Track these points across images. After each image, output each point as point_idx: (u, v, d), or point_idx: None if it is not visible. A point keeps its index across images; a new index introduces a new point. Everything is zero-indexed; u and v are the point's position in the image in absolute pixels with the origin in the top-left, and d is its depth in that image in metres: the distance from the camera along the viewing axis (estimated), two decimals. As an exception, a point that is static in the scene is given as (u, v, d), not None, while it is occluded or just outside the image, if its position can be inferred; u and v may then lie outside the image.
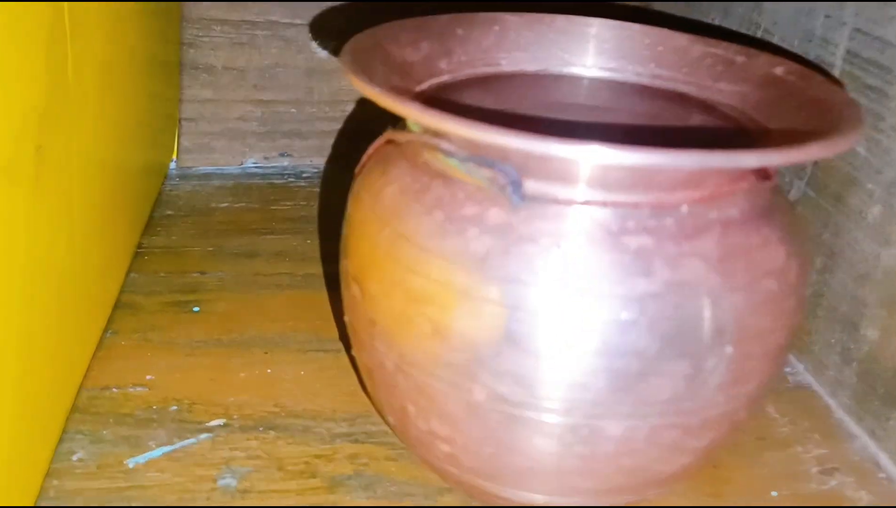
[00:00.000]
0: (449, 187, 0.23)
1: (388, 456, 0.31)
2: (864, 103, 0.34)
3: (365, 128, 0.53)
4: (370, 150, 0.27)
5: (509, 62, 0.31)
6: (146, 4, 0.40)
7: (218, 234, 0.46)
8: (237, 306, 0.39)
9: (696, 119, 0.28)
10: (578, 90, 0.31)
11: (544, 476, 0.23)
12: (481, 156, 0.21)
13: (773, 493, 0.31)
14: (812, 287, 0.37)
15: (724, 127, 0.27)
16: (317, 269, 0.43)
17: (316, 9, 0.51)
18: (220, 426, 0.32)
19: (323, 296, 0.41)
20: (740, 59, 0.29)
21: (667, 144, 0.24)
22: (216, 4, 0.50)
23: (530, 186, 0.21)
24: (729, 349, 0.21)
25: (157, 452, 0.30)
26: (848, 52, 0.35)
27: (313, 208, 0.50)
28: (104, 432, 0.31)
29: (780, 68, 0.28)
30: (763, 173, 0.24)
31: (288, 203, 0.50)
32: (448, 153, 0.22)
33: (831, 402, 0.36)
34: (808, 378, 0.38)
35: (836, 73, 0.36)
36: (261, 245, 0.45)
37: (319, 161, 0.55)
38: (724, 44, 0.30)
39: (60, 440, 0.30)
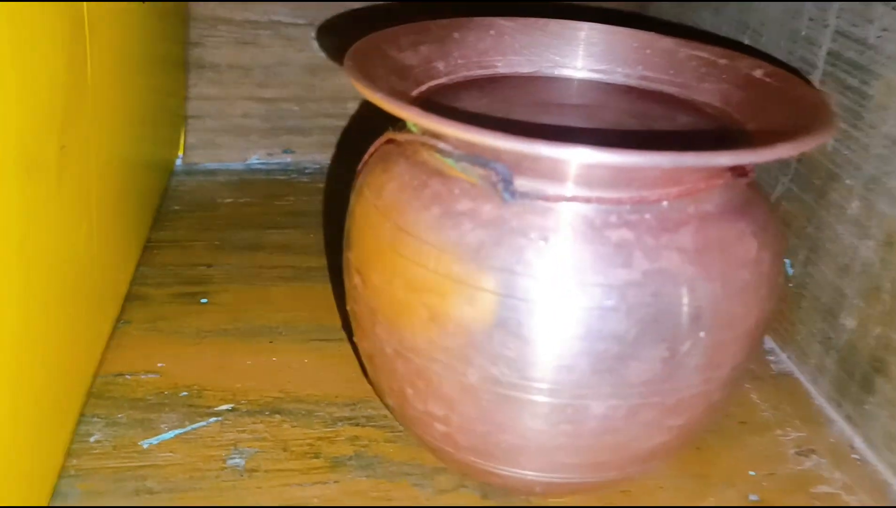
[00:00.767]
0: (445, 184, 0.24)
1: (386, 439, 0.32)
2: (844, 103, 0.36)
3: (367, 126, 0.55)
4: (372, 148, 0.28)
5: (504, 65, 0.32)
6: (156, 5, 0.42)
7: (223, 228, 0.47)
8: (243, 298, 0.41)
9: (681, 118, 0.30)
10: (570, 91, 0.32)
11: (533, 453, 0.25)
12: (475, 155, 0.23)
13: (751, 473, 0.32)
14: (796, 279, 0.39)
15: (707, 126, 0.29)
16: (318, 262, 0.45)
17: (317, 9, 0.53)
18: (228, 410, 0.33)
19: (324, 288, 0.42)
20: (723, 61, 0.31)
21: (651, 143, 0.26)
22: (221, 5, 0.51)
23: (520, 183, 0.23)
24: (703, 335, 0.23)
25: (170, 434, 0.32)
26: (830, 53, 0.37)
27: (315, 203, 0.51)
28: (119, 415, 0.32)
29: (759, 70, 0.29)
30: (740, 171, 0.25)
31: (290, 198, 0.52)
32: (444, 153, 0.24)
33: (812, 389, 0.38)
34: (791, 366, 0.39)
35: (818, 73, 0.37)
36: (265, 239, 0.47)
37: (321, 157, 0.56)
38: (709, 47, 0.31)
39: (78, 423, 0.32)
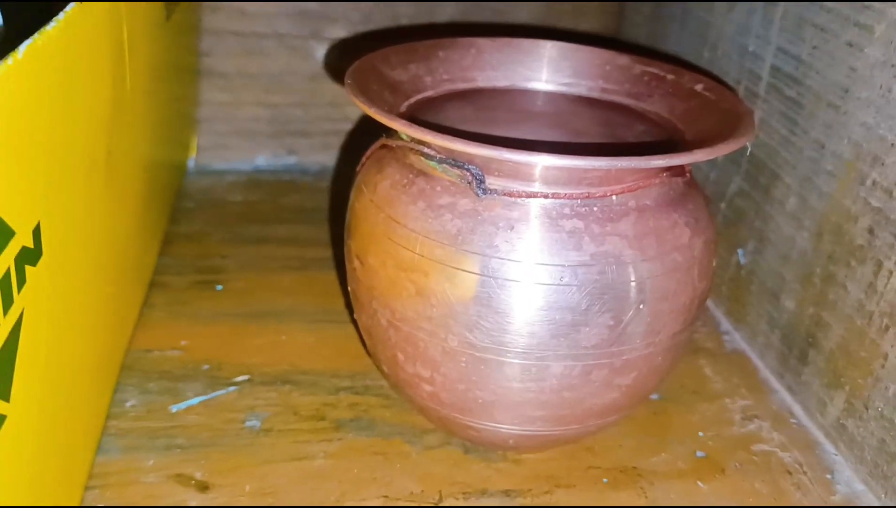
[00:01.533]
0: (429, 182, 0.29)
1: (382, 405, 0.37)
2: (782, 111, 0.40)
3: (364, 130, 0.59)
4: (368, 152, 0.33)
5: (483, 79, 0.37)
6: (176, 21, 0.47)
7: (234, 223, 0.52)
8: (254, 285, 0.45)
9: (635, 126, 0.35)
10: (540, 101, 0.37)
11: (505, 407, 0.30)
12: (453, 159, 0.28)
13: (700, 434, 0.37)
14: (746, 267, 0.44)
15: (655, 133, 0.34)
16: (322, 253, 0.49)
17: (319, 22, 0.57)
18: (244, 381, 0.38)
19: (327, 276, 0.47)
20: (670, 76, 0.35)
21: (601, 150, 0.31)
22: (231, 17, 0.56)
23: (491, 181, 0.27)
24: (643, 307, 0.28)
25: (195, 400, 0.36)
26: (772, 66, 0.41)
27: (318, 201, 0.56)
28: (150, 385, 0.37)
29: (699, 85, 0.34)
30: (677, 171, 0.30)
31: (295, 196, 0.56)
32: (428, 157, 0.29)
33: (760, 364, 0.43)
34: (743, 345, 0.44)
35: (763, 84, 0.42)
36: (272, 233, 0.51)
37: (322, 158, 0.61)
38: (659, 63, 0.36)
39: (115, 391, 0.36)
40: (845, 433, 0.36)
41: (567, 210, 0.27)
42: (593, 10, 0.62)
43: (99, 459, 0.33)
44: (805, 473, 0.35)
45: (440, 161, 0.28)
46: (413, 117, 0.32)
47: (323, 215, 0.54)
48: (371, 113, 0.27)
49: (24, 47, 0.22)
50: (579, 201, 0.27)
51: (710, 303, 0.47)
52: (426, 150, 0.28)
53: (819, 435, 0.37)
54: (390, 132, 0.33)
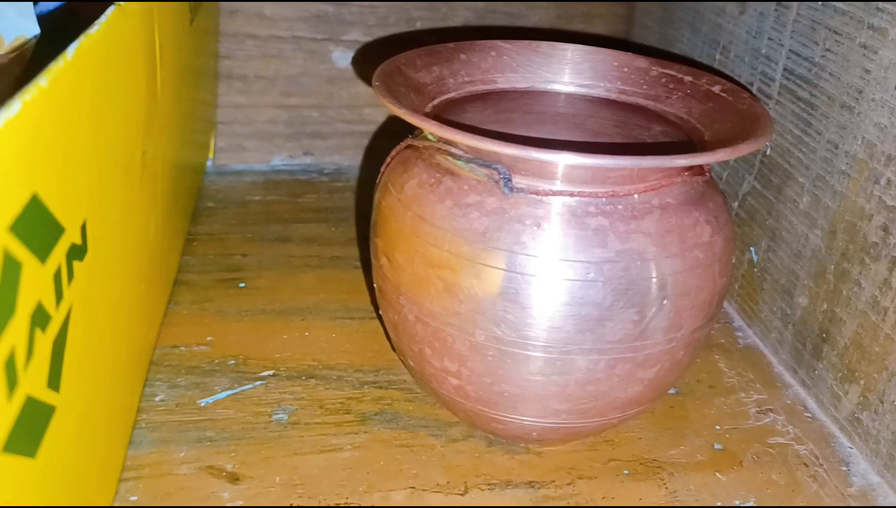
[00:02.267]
0: (456, 181, 0.30)
1: (406, 398, 0.38)
2: (796, 112, 0.41)
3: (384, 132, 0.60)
4: (393, 153, 0.34)
5: (504, 81, 0.38)
6: (199, 25, 0.47)
7: (254, 223, 0.53)
8: (276, 283, 0.46)
9: (653, 127, 0.35)
10: (559, 103, 0.38)
11: (530, 400, 0.30)
12: (481, 159, 0.29)
13: (717, 427, 0.38)
14: (759, 265, 0.45)
15: (674, 133, 0.35)
16: (342, 252, 0.50)
17: (336, 26, 0.58)
18: (270, 375, 0.39)
19: (348, 274, 0.48)
20: (688, 78, 0.36)
21: (624, 149, 0.31)
22: (249, 21, 0.57)
23: (517, 180, 0.28)
24: (666, 302, 0.29)
25: (223, 395, 0.37)
26: (785, 68, 0.42)
27: (335, 200, 0.57)
28: (178, 380, 0.38)
29: (717, 86, 0.35)
30: (697, 170, 0.31)
31: (313, 196, 0.57)
32: (456, 156, 0.29)
33: (773, 359, 0.43)
34: (756, 340, 0.45)
35: (776, 85, 0.43)
36: (292, 232, 0.52)
37: (339, 159, 0.62)
38: (676, 65, 0.37)
39: (144, 386, 0.37)
40: (860, 426, 0.36)
41: (592, 208, 0.28)
42: (604, 13, 0.62)
43: (131, 452, 0.33)
44: (821, 465, 0.36)
45: (467, 161, 0.29)
46: (438, 118, 0.33)
47: (341, 214, 0.55)
48: (401, 114, 0.28)
49: (72, 49, 0.22)
50: (604, 200, 0.28)
51: (723, 300, 0.48)
52: (453, 150, 0.29)
53: (834, 429, 0.38)
54: (415, 133, 0.33)
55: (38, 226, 0.20)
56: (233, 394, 0.37)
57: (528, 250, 0.28)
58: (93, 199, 0.25)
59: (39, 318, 0.21)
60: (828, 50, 0.38)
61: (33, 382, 0.20)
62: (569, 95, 0.38)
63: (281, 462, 0.34)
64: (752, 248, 0.45)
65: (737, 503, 0.33)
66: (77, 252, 0.24)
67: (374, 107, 0.61)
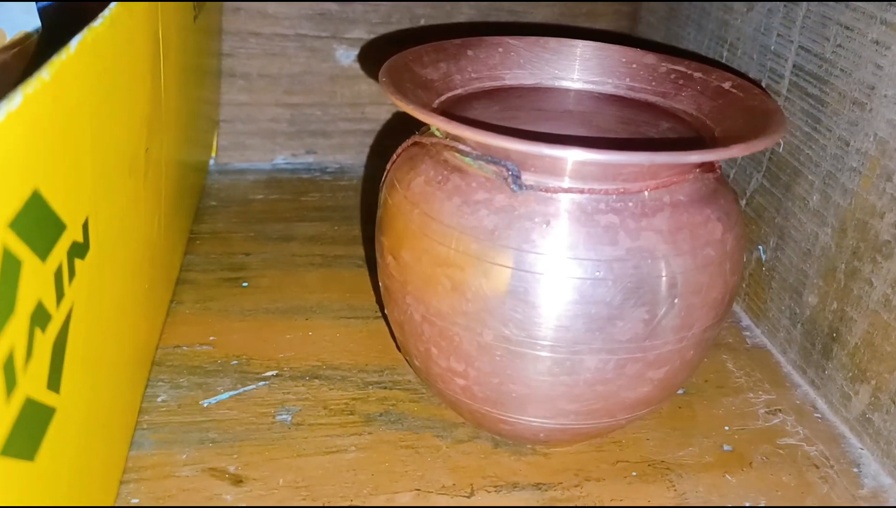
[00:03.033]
0: (464, 179, 0.29)
1: (411, 399, 0.38)
2: (805, 108, 0.41)
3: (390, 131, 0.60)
4: (399, 150, 0.34)
5: (511, 77, 0.37)
6: (202, 22, 0.47)
7: (257, 221, 0.52)
8: (279, 282, 0.46)
9: (662, 123, 0.35)
10: (567, 99, 0.37)
11: (538, 401, 0.30)
12: (490, 155, 0.28)
13: (726, 428, 0.38)
14: (767, 263, 0.44)
15: (684, 130, 0.34)
16: (345, 250, 0.50)
17: (339, 24, 0.58)
18: (273, 375, 0.38)
19: (351, 273, 0.47)
20: (698, 74, 0.36)
21: (635, 145, 0.31)
22: (252, 19, 0.57)
23: (527, 177, 0.28)
24: (677, 300, 0.28)
25: (225, 395, 0.37)
26: (794, 65, 0.42)
27: (337, 199, 0.56)
28: (181, 380, 0.37)
29: (727, 83, 0.34)
30: (707, 167, 0.30)
31: (315, 195, 0.57)
32: (464, 153, 0.29)
33: (782, 358, 0.43)
34: (764, 340, 0.45)
35: (785, 82, 0.43)
36: (295, 231, 0.52)
37: (341, 157, 0.61)
38: (686, 62, 0.37)
39: (146, 387, 0.37)
40: (871, 427, 0.36)
41: (602, 205, 0.27)
42: (608, 11, 0.62)
43: (133, 453, 0.33)
44: (831, 466, 0.35)
45: (476, 157, 0.28)
46: (445, 114, 0.32)
47: (343, 212, 0.54)
48: (409, 110, 0.28)
49: (75, 43, 0.22)
50: (615, 197, 0.28)
51: (730, 300, 0.47)
52: (461, 146, 0.29)
53: (844, 429, 0.38)
54: (422, 129, 0.33)
55: (38, 223, 0.20)
56: (236, 395, 0.37)
57: (537, 247, 0.27)
58: (95, 196, 0.25)
59: (39, 317, 0.20)
60: (839, 46, 0.38)
61: (33, 383, 0.20)
62: (577, 92, 0.37)
63: (284, 464, 0.33)
64: (760, 246, 0.45)
65: (747, 504, 0.33)
66: (79, 250, 0.23)
67: (378, 105, 0.60)
